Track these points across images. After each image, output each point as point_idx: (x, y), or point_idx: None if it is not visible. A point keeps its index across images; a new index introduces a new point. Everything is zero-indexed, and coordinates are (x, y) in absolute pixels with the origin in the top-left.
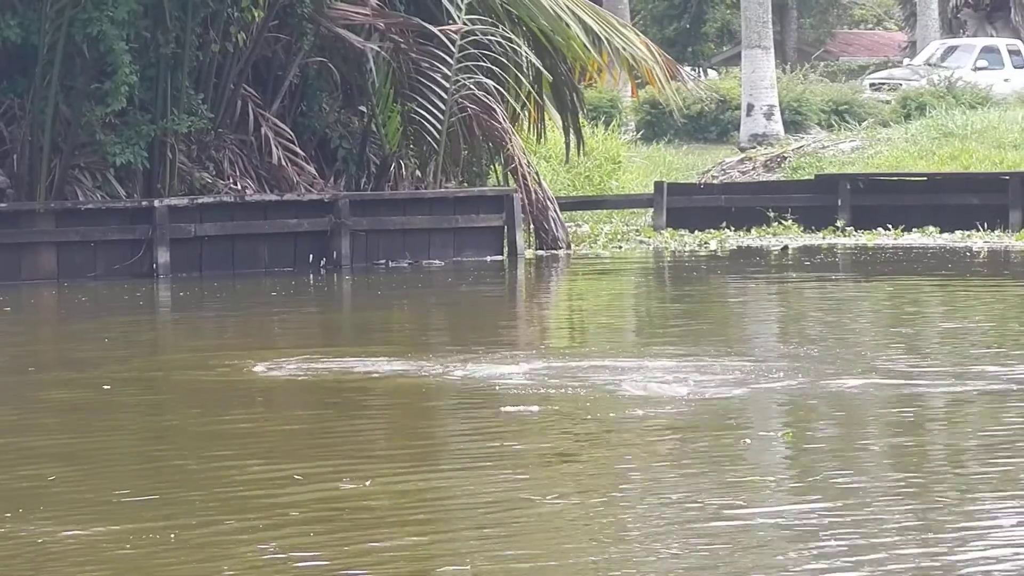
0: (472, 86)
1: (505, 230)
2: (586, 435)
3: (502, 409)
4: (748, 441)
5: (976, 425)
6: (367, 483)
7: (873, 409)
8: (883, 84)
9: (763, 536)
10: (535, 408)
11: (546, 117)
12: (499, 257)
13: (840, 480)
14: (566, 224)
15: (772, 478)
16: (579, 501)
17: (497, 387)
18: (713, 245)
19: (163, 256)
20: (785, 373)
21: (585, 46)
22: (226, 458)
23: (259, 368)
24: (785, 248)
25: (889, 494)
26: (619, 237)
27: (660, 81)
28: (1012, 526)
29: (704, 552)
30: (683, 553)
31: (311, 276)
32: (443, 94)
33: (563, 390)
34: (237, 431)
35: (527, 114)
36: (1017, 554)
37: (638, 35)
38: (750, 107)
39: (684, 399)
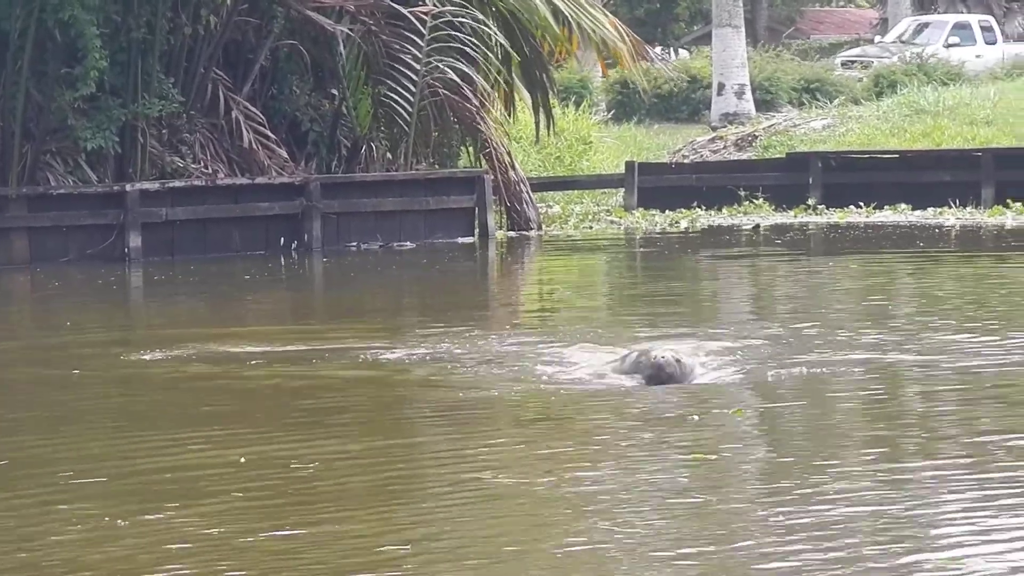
0: (444, 67)
1: (476, 211)
2: (546, 415)
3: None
4: (696, 418)
5: (940, 397)
6: (313, 465)
7: (832, 384)
8: (854, 62)
9: (709, 512)
10: (494, 392)
11: (516, 97)
12: (470, 239)
13: (788, 456)
14: (537, 205)
15: (715, 456)
16: (527, 480)
17: (450, 369)
18: (684, 224)
19: (135, 240)
20: (750, 350)
21: (554, 27)
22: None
23: (229, 350)
24: (757, 227)
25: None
26: (590, 217)
27: (628, 62)
28: (966, 508)
29: (648, 528)
30: (624, 528)
31: (283, 259)
32: (414, 76)
33: (532, 369)
34: (195, 414)
35: (497, 94)
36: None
37: (606, 15)
38: (721, 86)
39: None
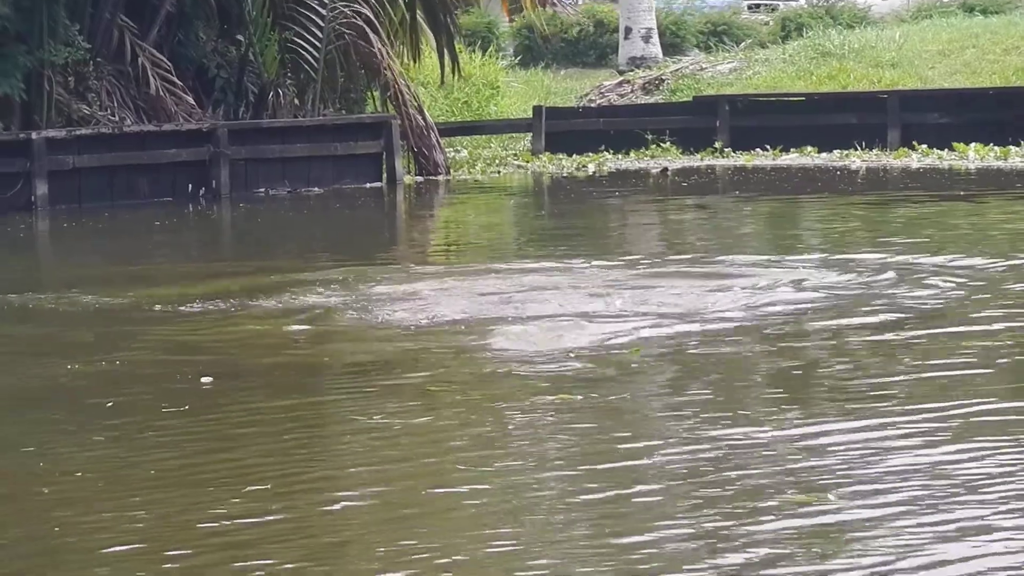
0: (349, 13)
1: (384, 157)
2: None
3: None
4: (573, 355)
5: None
6: (185, 407)
7: (715, 322)
8: (761, 5)
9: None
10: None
11: (422, 41)
12: (378, 184)
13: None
14: (445, 150)
15: (582, 394)
16: (401, 424)
17: (354, 315)
18: (591, 168)
19: (41, 188)
20: (642, 290)
21: None
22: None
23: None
24: (664, 170)
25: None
26: (498, 162)
27: (531, 6)
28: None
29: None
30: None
31: (190, 206)
32: (320, 22)
33: (432, 314)
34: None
35: (403, 39)
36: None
37: None
38: (628, 30)
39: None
